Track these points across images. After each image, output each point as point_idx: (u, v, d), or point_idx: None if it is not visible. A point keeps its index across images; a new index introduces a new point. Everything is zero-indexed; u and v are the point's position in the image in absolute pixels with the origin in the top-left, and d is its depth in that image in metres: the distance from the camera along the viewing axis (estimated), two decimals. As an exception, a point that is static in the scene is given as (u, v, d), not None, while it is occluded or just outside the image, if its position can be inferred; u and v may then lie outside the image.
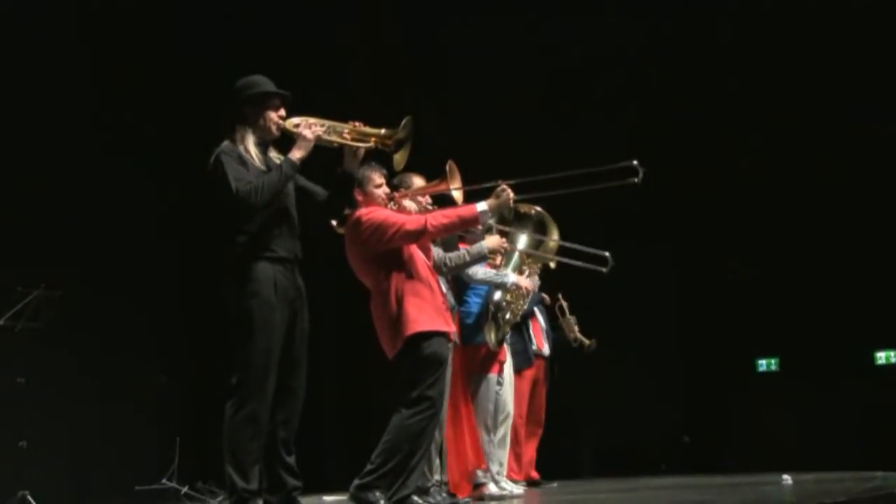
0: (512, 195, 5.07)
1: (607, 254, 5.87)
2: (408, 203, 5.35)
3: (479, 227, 5.72)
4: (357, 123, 4.75)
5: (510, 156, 9.35)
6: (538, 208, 6.47)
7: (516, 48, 10.67)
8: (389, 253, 4.98)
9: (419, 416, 4.81)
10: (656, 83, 10.79)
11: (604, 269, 5.85)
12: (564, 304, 8.21)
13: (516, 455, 7.74)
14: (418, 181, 5.50)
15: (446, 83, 10.84)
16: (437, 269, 5.52)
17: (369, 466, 4.82)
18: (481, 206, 5.03)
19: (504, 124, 10.38)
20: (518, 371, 7.52)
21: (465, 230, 5.58)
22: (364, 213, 5.00)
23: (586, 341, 8.22)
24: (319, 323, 4.67)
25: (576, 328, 8.04)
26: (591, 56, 10.70)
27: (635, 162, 5.13)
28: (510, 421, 7.13)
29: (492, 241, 5.88)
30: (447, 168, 5.21)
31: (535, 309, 7.64)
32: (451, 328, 5.14)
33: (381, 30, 10.87)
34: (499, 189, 5.08)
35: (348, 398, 10.17)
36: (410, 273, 4.98)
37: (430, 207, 5.43)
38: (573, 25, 10.53)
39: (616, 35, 10.62)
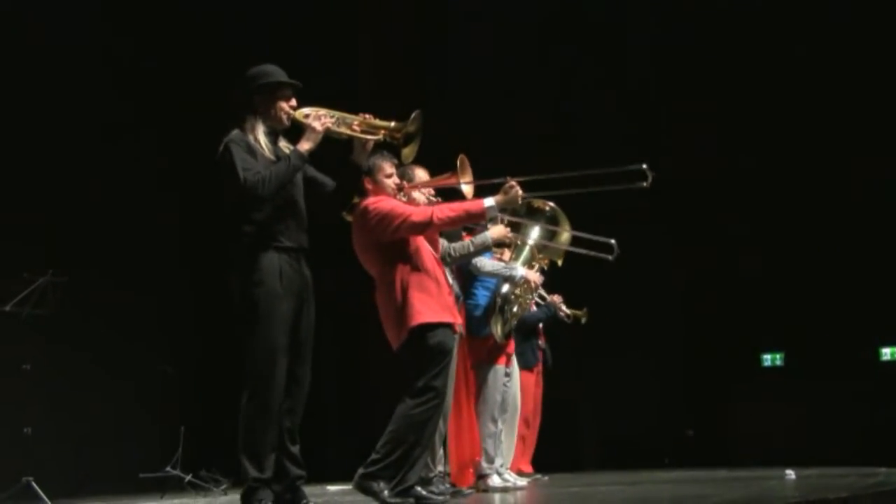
0: (520, 192, 5.07)
1: (613, 241, 5.88)
2: (416, 194, 5.35)
3: (485, 222, 5.74)
4: (367, 116, 4.74)
5: (517, 153, 9.37)
6: (552, 204, 6.46)
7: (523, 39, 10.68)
8: (396, 243, 4.98)
9: (424, 406, 4.82)
10: (665, 74, 10.78)
11: (609, 257, 5.86)
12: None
13: (525, 449, 7.77)
14: (420, 173, 5.50)
15: (451, 77, 10.83)
16: (442, 259, 5.52)
17: (374, 456, 4.84)
18: (488, 201, 5.03)
19: (511, 121, 10.37)
20: (528, 368, 7.55)
21: (470, 224, 5.58)
22: (372, 202, 5.00)
23: (579, 313, 8.14)
24: (321, 313, 4.67)
25: (563, 306, 7.95)
26: (597, 46, 10.70)
27: (645, 166, 5.13)
28: (518, 415, 7.14)
29: (496, 231, 5.87)
30: (458, 162, 5.20)
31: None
32: (457, 320, 5.14)
33: (384, 21, 10.88)
34: (507, 185, 5.08)
35: (351, 388, 10.19)
36: (416, 264, 4.98)
37: (433, 199, 5.43)
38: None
39: (623, 23, 10.62)
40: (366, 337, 6.23)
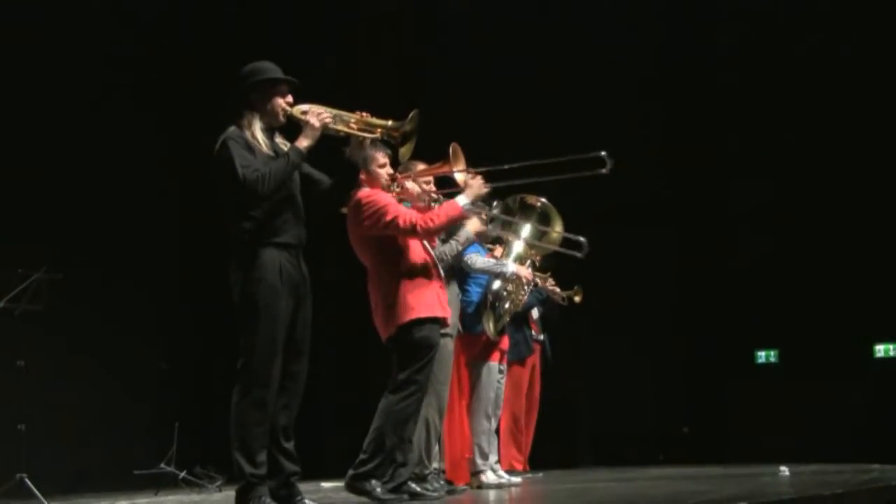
0: (482, 181, 5.16)
1: (583, 239, 5.91)
2: (410, 185, 5.36)
3: (483, 214, 5.75)
4: (364, 114, 4.73)
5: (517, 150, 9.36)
6: (543, 200, 6.47)
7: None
8: (388, 236, 5.01)
9: (407, 400, 4.86)
10: (660, 66, 10.80)
11: (578, 254, 5.88)
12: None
13: (518, 445, 7.74)
14: (420, 168, 5.51)
15: (448, 67, 10.83)
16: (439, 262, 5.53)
17: (362, 456, 4.86)
18: (461, 199, 5.15)
19: (511, 119, 10.38)
20: (521, 360, 7.52)
21: (456, 224, 5.60)
22: (364, 195, 5.02)
23: (570, 292, 8.08)
24: (318, 309, 4.67)
25: (556, 288, 7.90)
26: (594, 35, 10.69)
27: (604, 153, 5.22)
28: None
29: (472, 224, 5.85)
30: (450, 150, 5.22)
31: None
32: (447, 313, 5.16)
33: (383, 19, 10.88)
34: (468, 178, 5.15)
35: (347, 385, 10.18)
36: (409, 257, 5.03)
37: (434, 196, 5.42)
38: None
39: (618, 11, 10.63)
40: (363, 332, 6.22)
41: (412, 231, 5.00)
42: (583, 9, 10.55)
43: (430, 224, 5.04)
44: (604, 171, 5.25)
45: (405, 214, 5.04)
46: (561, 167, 5.33)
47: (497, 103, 10.41)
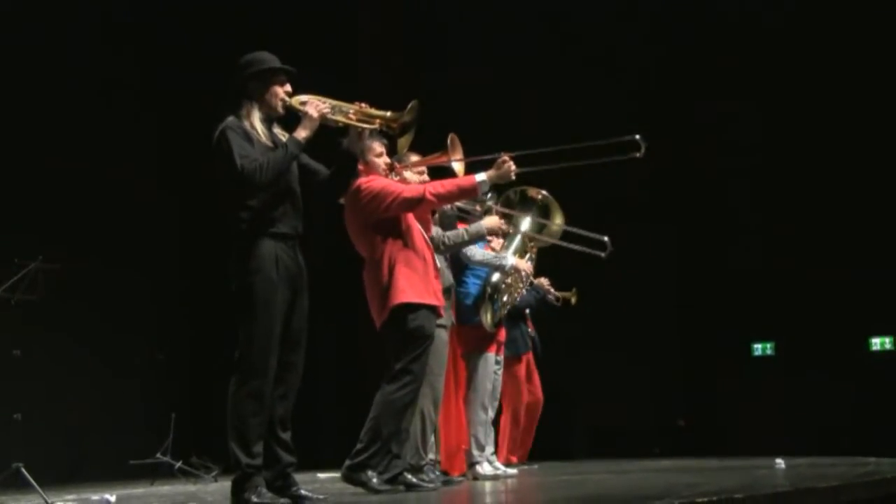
0: (513, 167, 5.11)
1: (606, 238, 5.89)
2: (408, 174, 5.38)
3: (478, 205, 5.75)
4: (363, 105, 4.73)
5: (513, 128, 9.37)
6: (545, 192, 6.47)
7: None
8: (387, 222, 5.02)
9: (403, 390, 4.87)
10: (663, 60, 10.79)
11: (602, 254, 5.89)
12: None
13: (516, 440, 7.76)
14: (414, 158, 5.52)
15: (447, 56, 10.82)
16: (436, 247, 5.53)
17: (359, 446, 4.88)
18: (480, 176, 5.10)
19: (507, 100, 10.36)
20: (517, 356, 7.54)
21: (463, 200, 5.60)
22: (363, 181, 5.03)
23: (567, 294, 8.10)
24: (315, 300, 4.67)
25: (551, 288, 7.91)
26: (597, 27, 10.67)
27: (638, 136, 5.17)
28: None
29: (490, 221, 5.88)
30: (448, 140, 5.23)
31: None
32: (441, 302, 5.17)
33: (383, 16, 10.87)
34: (500, 160, 5.12)
35: (344, 375, 10.20)
36: (406, 244, 5.04)
37: (424, 180, 5.43)
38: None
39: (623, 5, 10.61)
40: (362, 323, 6.24)
41: (421, 199, 5.00)
42: (583, 9, 10.54)
43: (440, 189, 5.06)
44: (638, 154, 5.22)
45: (410, 187, 5.08)
46: (594, 152, 5.30)
47: (497, 104, 10.40)
